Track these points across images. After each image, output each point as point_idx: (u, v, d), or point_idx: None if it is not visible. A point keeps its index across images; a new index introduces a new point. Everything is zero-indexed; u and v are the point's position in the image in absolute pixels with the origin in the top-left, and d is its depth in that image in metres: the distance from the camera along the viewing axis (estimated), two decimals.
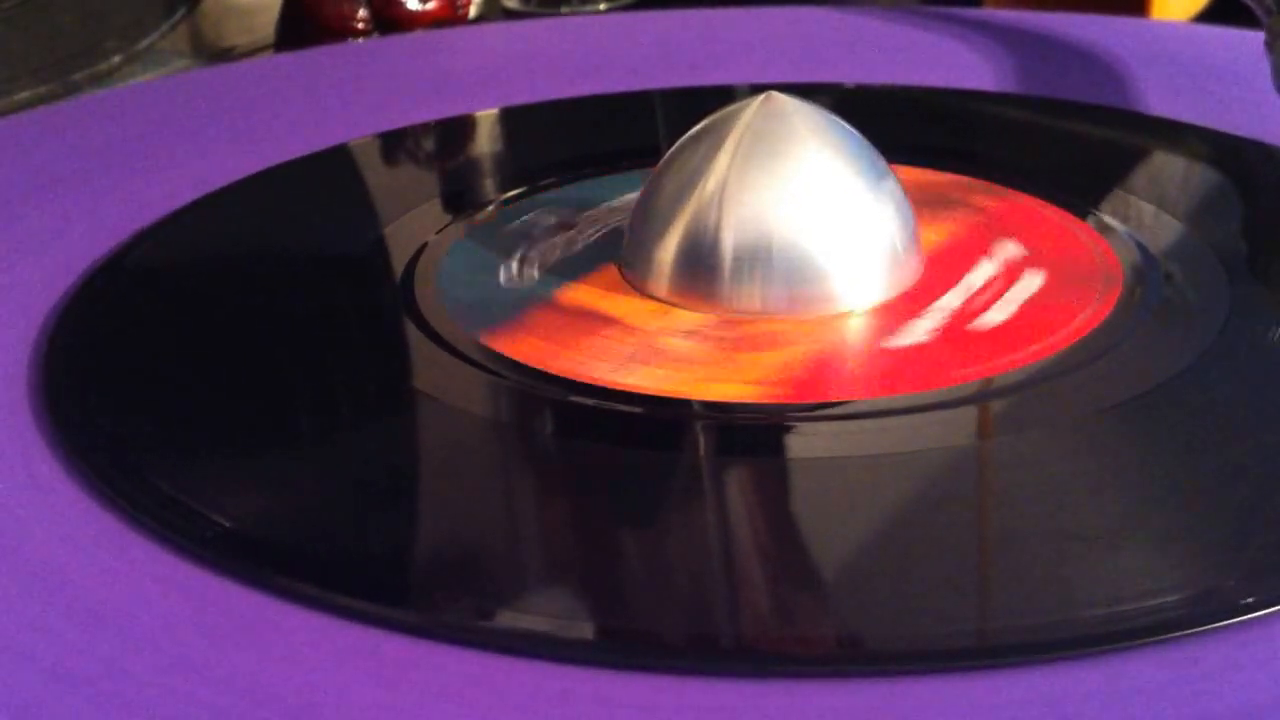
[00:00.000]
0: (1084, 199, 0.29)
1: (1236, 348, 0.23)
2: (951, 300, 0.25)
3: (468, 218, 0.30)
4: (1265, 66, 0.32)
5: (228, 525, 0.19)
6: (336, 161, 0.33)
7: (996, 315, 0.25)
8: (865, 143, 0.26)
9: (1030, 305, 0.25)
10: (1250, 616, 0.17)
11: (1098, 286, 0.25)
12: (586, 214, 0.29)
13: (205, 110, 0.37)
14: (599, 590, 0.18)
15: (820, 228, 0.25)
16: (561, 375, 0.23)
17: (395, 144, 0.35)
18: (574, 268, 0.27)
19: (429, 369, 0.24)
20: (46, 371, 0.24)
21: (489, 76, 0.40)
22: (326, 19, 0.46)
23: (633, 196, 0.27)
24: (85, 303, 0.26)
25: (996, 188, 0.30)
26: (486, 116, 0.37)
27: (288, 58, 0.43)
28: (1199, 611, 0.17)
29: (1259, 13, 0.33)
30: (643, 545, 0.20)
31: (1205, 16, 0.49)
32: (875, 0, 0.47)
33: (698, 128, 0.26)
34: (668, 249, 0.25)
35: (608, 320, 0.25)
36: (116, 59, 0.45)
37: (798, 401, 0.22)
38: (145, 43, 0.46)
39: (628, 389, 0.23)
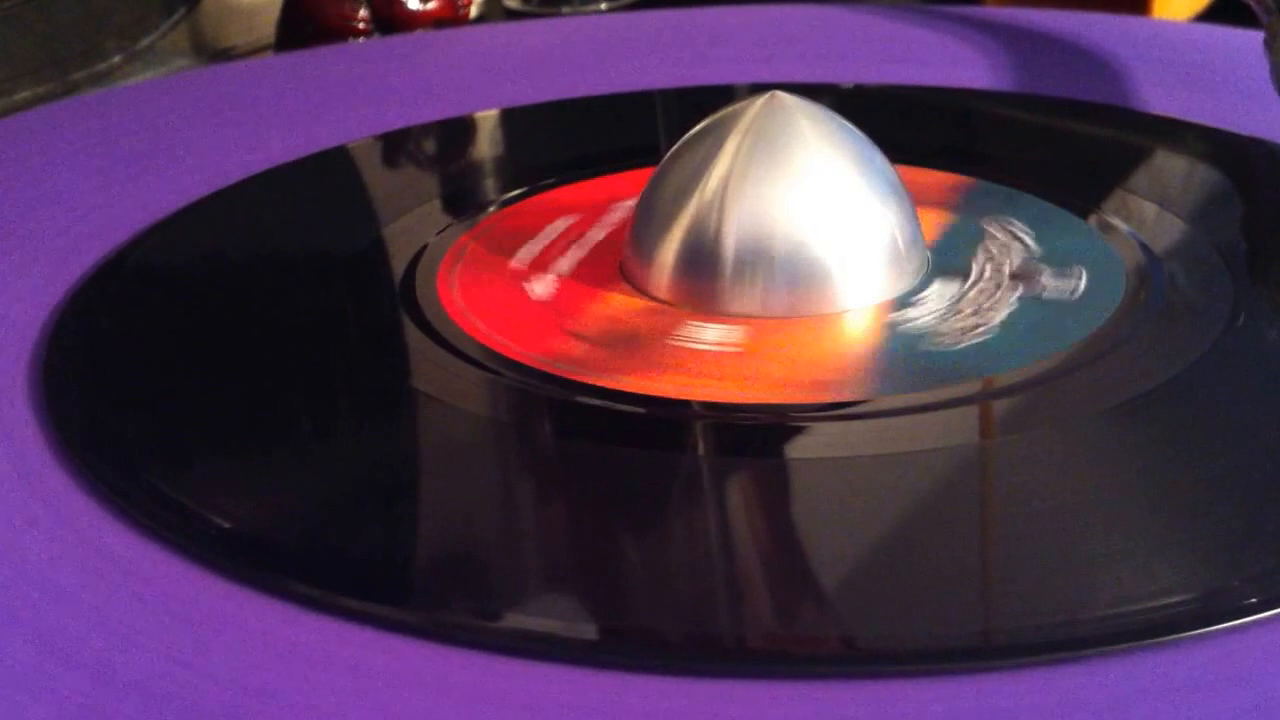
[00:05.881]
0: (1085, 199, 0.29)
1: (1240, 347, 0.23)
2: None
3: (468, 218, 0.30)
4: (1265, 66, 0.32)
5: (227, 526, 0.19)
6: (336, 161, 0.33)
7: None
8: (868, 142, 0.26)
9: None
10: (1254, 617, 0.17)
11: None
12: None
13: (205, 110, 0.37)
14: (600, 591, 0.18)
15: (823, 228, 0.25)
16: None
17: (395, 144, 0.35)
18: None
19: (429, 369, 0.24)
20: (46, 371, 0.23)
21: (489, 76, 0.40)
22: (326, 19, 0.46)
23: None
24: (85, 303, 0.26)
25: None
26: (486, 116, 0.36)
27: (288, 58, 0.43)
28: (1203, 612, 0.17)
29: (1259, 12, 0.33)
30: (643, 545, 0.20)
31: (1206, 16, 0.49)
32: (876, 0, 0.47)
33: (699, 127, 0.26)
34: (669, 249, 0.25)
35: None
36: (116, 59, 0.45)
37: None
38: (145, 43, 0.46)
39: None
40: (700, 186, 0.25)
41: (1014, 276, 0.25)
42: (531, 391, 0.23)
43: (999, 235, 0.27)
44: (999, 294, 0.25)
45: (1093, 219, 0.28)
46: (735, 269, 0.25)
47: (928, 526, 0.19)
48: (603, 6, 0.53)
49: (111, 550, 0.19)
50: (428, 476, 0.21)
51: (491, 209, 0.30)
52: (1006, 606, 0.18)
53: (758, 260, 0.25)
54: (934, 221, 0.28)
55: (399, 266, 0.27)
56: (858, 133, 0.26)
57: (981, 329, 0.24)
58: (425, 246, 0.28)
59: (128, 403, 0.23)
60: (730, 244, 0.25)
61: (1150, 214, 0.29)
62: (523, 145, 0.36)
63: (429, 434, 0.22)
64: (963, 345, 0.23)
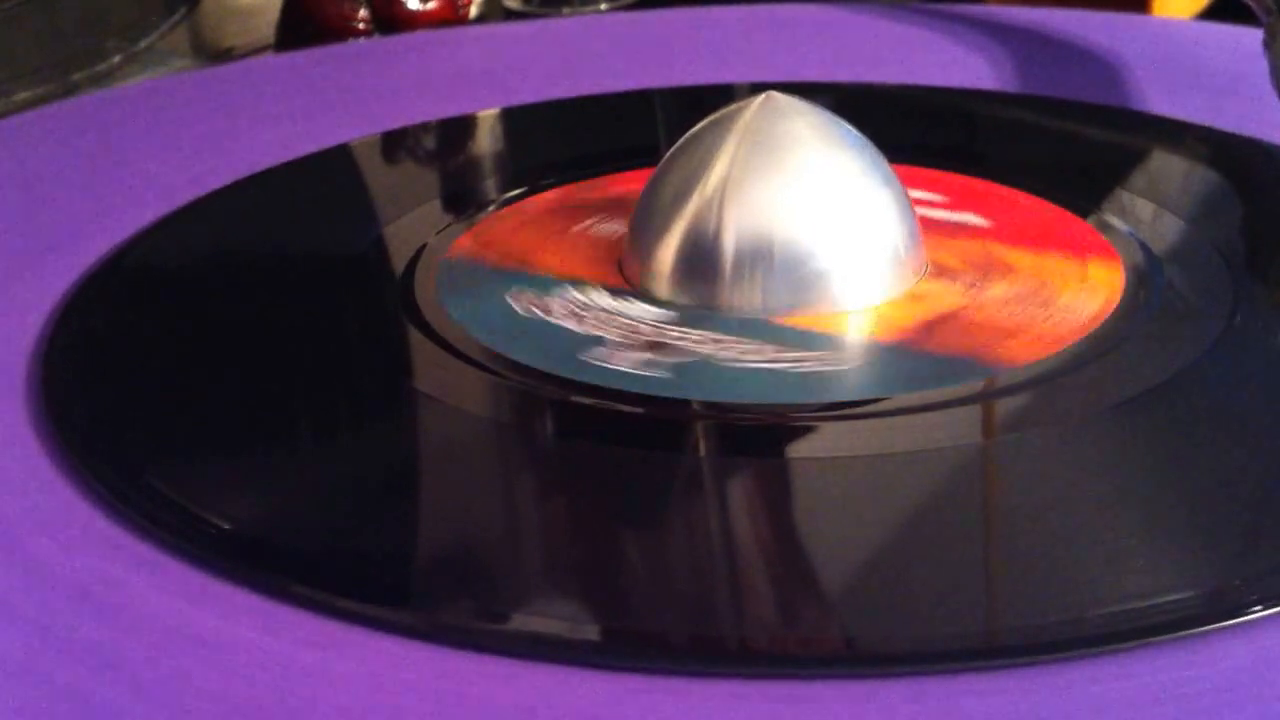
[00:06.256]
0: (1084, 198, 0.29)
1: (1239, 346, 0.23)
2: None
3: (468, 218, 0.30)
4: (1265, 66, 0.32)
5: (227, 526, 0.19)
6: (336, 161, 0.33)
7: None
8: (866, 142, 0.26)
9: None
10: (1255, 616, 0.17)
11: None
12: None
13: (205, 110, 0.37)
14: (600, 591, 0.18)
15: (821, 227, 0.25)
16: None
17: (395, 144, 0.35)
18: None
19: (429, 369, 0.24)
20: (46, 371, 0.23)
21: (489, 76, 0.40)
22: (326, 19, 0.46)
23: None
24: (85, 303, 0.26)
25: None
26: (486, 116, 0.36)
27: (288, 58, 0.43)
28: (1203, 611, 0.17)
29: (1258, 12, 0.33)
30: (643, 546, 0.20)
31: (1206, 15, 0.49)
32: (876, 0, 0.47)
33: (698, 128, 0.26)
34: (668, 249, 0.25)
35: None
36: (116, 59, 0.45)
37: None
38: (145, 43, 0.46)
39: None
40: (699, 186, 0.25)
41: (648, 343, 0.24)
42: (531, 392, 0.23)
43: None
44: (586, 321, 0.24)
45: (1092, 219, 0.28)
46: (734, 268, 0.25)
47: (929, 526, 0.19)
48: (603, 6, 0.53)
49: (112, 550, 0.19)
50: (428, 477, 0.21)
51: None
52: (1007, 606, 0.18)
53: (757, 259, 0.25)
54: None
55: (399, 266, 0.27)
56: (854, 132, 0.26)
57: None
58: (425, 246, 0.28)
59: (128, 403, 0.23)
60: (729, 243, 0.25)
61: (1150, 214, 0.29)
62: (523, 145, 0.36)
63: (429, 434, 0.22)
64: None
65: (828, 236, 0.25)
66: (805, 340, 0.24)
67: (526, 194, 0.31)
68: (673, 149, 0.26)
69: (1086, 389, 0.22)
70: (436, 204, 0.31)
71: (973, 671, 0.16)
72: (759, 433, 0.22)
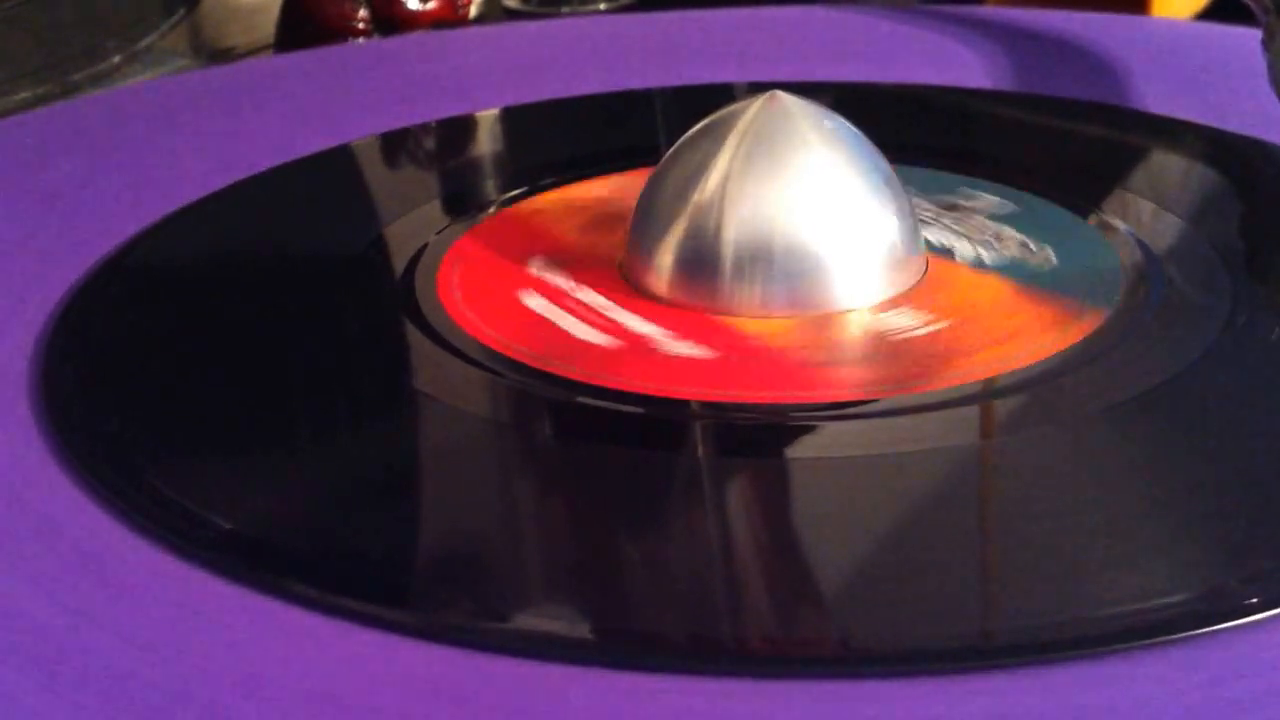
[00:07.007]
0: (1084, 198, 0.29)
1: (1238, 346, 0.23)
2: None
3: (468, 218, 0.30)
4: (1264, 65, 0.32)
5: (227, 526, 0.19)
6: (336, 161, 0.33)
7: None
8: (867, 142, 0.26)
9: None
10: (1253, 618, 0.17)
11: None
12: None
13: (205, 110, 0.37)
14: (599, 591, 0.18)
15: (822, 227, 0.25)
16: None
17: (395, 144, 0.35)
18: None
19: (429, 369, 0.24)
20: (46, 371, 0.23)
21: (489, 76, 0.40)
22: (326, 19, 0.46)
23: None
24: (85, 303, 0.26)
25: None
26: (486, 116, 0.36)
27: (288, 58, 0.43)
28: (1201, 612, 0.17)
29: (1257, 12, 0.33)
30: (643, 546, 0.20)
31: (1205, 16, 0.49)
32: (876, 0, 0.47)
33: (699, 127, 0.26)
34: (668, 249, 0.25)
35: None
36: (116, 59, 0.45)
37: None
38: (145, 43, 0.46)
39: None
40: (700, 186, 0.25)
41: None
42: (531, 392, 0.23)
43: None
44: None
45: (1092, 219, 0.28)
46: (734, 268, 0.25)
47: (927, 527, 0.19)
48: (602, 6, 0.53)
49: (112, 550, 0.19)
50: (428, 477, 0.21)
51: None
52: (1006, 606, 0.18)
53: (757, 260, 0.25)
54: None
55: (399, 266, 0.27)
56: (857, 133, 0.26)
57: None
58: (425, 246, 0.28)
59: (128, 403, 0.23)
60: (729, 244, 0.25)
61: (1149, 213, 0.29)
62: (523, 145, 0.36)
63: (429, 434, 0.22)
64: None
65: (828, 236, 0.25)
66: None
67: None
68: (673, 149, 0.26)
69: (1086, 389, 0.22)
70: (436, 204, 0.31)
71: (971, 672, 0.16)
72: (759, 432, 0.22)
